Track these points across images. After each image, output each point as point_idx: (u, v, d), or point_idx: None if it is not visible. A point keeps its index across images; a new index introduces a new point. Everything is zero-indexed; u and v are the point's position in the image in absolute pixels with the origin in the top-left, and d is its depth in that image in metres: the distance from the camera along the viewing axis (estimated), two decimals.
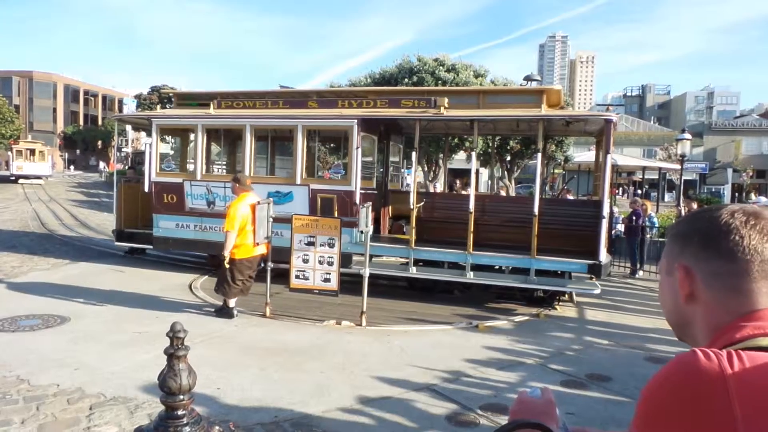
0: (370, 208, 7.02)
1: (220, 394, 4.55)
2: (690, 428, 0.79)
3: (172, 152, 12.19)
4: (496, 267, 8.89)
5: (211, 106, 9.70)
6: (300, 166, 9.05)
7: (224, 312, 6.96)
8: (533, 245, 8.02)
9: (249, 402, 4.45)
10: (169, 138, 12.35)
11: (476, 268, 8.32)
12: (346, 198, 8.74)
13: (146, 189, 9.93)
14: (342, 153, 9.80)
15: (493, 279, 8.55)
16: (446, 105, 8.52)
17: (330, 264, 6.86)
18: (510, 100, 9.15)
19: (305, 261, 6.93)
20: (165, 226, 9.85)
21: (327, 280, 6.89)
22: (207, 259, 10.44)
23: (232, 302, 6.97)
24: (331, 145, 11.09)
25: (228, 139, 11.66)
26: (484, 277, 8.47)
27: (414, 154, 9.01)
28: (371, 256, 8.67)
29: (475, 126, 8.65)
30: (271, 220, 6.99)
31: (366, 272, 6.99)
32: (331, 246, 6.86)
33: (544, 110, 8.48)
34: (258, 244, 6.92)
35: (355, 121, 8.72)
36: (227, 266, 6.82)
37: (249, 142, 9.42)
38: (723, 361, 0.81)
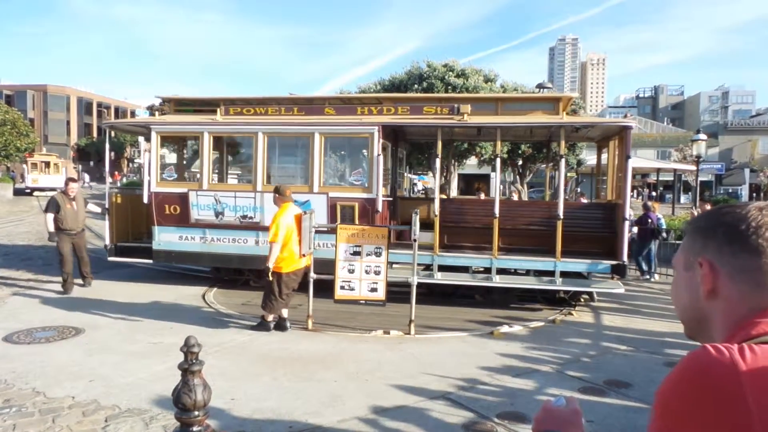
0: (418, 215, 6.92)
1: (234, 406, 4.52)
2: (705, 422, 0.79)
3: (184, 162, 11.67)
4: (512, 270, 8.85)
5: (218, 112, 9.31)
6: (318, 174, 8.87)
7: (263, 326, 6.81)
8: (558, 248, 8.15)
9: (263, 413, 4.41)
10: (174, 147, 11.70)
11: (499, 271, 8.42)
12: (367, 206, 8.63)
13: (145, 200, 9.37)
14: (357, 160, 9.63)
15: (521, 282, 8.60)
16: (469, 112, 8.64)
17: (377, 273, 6.81)
18: (526, 107, 9.32)
19: (351, 271, 6.84)
20: (166, 238, 9.33)
21: (374, 290, 6.85)
22: (212, 272, 10.14)
23: (271, 317, 6.82)
24: (341, 152, 10.83)
25: (235, 146, 11.38)
26: (511, 280, 8.56)
27: (437, 161, 9.03)
28: (392, 263, 8.65)
29: (498, 133, 8.77)
30: (313, 230, 6.86)
31: (414, 280, 6.98)
32: (378, 255, 6.81)
33: (566, 118, 8.70)
34: (304, 255, 6.81)
35: (377, 127, 8.63)
36: (272, 279, 6.63)
37: (261, 150, 9.11)
38: (735, 355, 0.81)
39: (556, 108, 8.92)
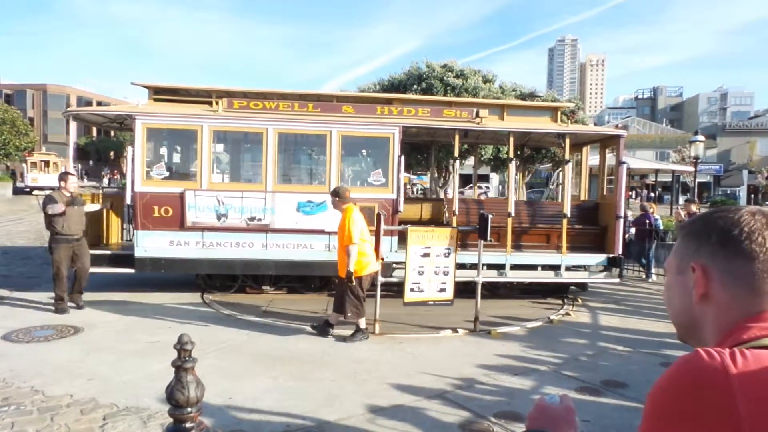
0: (490, 217, 7.04)
1: (232, 404, 4.54)
2: (695, 426, 0.79)
3: (182, 159, 10.54)
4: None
5: (220, 104, 8.49)
6: (336, 174, 8.54)
7: (360, 334, 6.56)
8: (563, 244, 8.86)
9: (261, 412, 4.43)
10: (163, 141, 10.10)
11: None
12: (387, 206, 8.55)
13: (128, 201, 8.24)
14: (375, 160, 9.45)
15: (531, 277, 9.09)
16: (487, 116, 8.91)
17: (446, 274, 6.91)
18: (528, 113, 9.80)
19: (420, 273, 6.87)
20: (153, 244, 8.22)
21: (442, 290, 6.92)
22: (201, 280, 8.93)
23: (363, 322, 6.61)
24: (357, 151, 10.41)
25: (238, 143, 10.80)
26: (522, 275, 9.04)
27: (456, 163, 9.25)
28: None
29: (511, 137, 9.04)
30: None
31: (479, 279, 7.27)
32: (447, 256, 6.91)
33: (571, 126, 9.39)
34: (383, 259, 6.76)
35: (398, 128, 8.57)
36: (353, 284, 6.43)
37: (272, 147, 8.44)
38: (726, 359, 0.81)
39: (554, 115, 9.59)
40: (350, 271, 6.39)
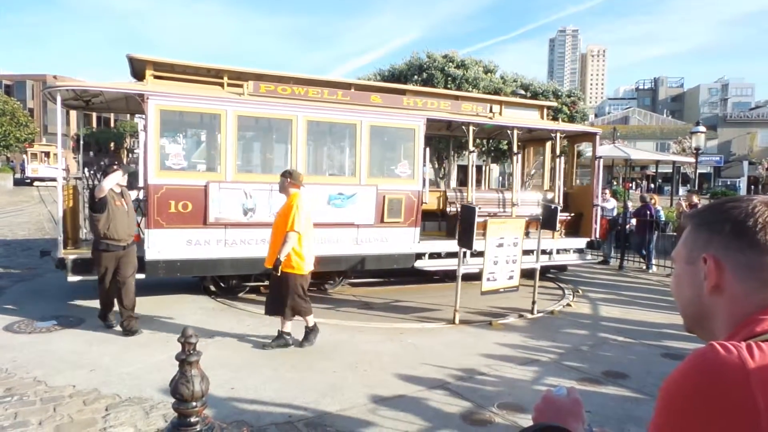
0: (558, 211, 7.55)
1: (234, 395, 4.56)
2: (712, 422, 0.78)
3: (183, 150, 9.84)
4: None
5: (245, 88, 7.75)
6: (366, 165, 8.34)
7: (281, 339, 5.90)
8: (555, 230, 9.27)
9: (262, 402, 4.45)
10: (179, 127, 8.67)
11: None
12: (413, 198, 8.63)
13: (140, 195, 7.39)
14: (400, 151, 9.49)
15: (529, 262, 9.44)
16: (500, 112, 9.60)
17: (514, 262, 7.36)
18: (521, 109, 10.51)
19: (495, 263, 7.17)
20: (168, 244, 7.24)
21: (511, 278, 7.37)
22: (208, 282, 8.15)
23: (289, 325, 5.94)
24: (382, 142, 10.37)
25: (260, 130, 9.88)
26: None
27: (473, 156, 9.42)
28: (430, 254, 8.98)
29: (515, 132, 9.67)
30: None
31: (537, 266, 7.91)
32: (515, 245, 7.32)
33: (562, 124, 10.51)
34: (475, 250, 7.31)
35: (423, 120, 8.66)
36: (296, 282, 5.78)
37: (302, 136, 7.95)
38: (743, 353, 0.80)
39: (542, 113, 10.55)
40: (279, 259, 5.61)
